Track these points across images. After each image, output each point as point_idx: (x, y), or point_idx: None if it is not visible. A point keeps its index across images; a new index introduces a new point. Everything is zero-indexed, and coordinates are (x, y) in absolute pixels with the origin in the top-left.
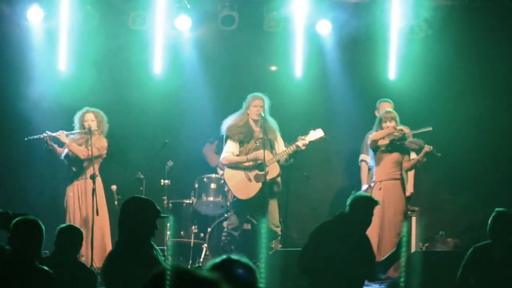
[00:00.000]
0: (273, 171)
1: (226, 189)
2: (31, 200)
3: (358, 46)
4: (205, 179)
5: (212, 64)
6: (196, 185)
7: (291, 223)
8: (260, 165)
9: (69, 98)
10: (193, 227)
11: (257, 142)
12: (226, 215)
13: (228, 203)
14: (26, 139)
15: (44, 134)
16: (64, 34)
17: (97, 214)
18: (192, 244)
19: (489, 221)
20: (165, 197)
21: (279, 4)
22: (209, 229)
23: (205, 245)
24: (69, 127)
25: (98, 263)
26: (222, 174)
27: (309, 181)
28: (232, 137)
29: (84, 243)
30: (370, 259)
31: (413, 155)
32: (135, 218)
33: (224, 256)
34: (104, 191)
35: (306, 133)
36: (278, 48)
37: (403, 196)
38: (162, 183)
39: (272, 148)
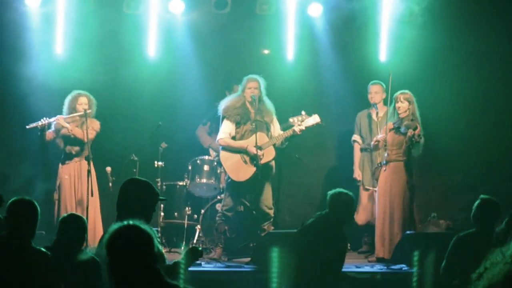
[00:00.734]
0: (269, 154)
1: (219, 171)
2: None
3: (349, 28)
4: (198, 161)
5: (205, 47)
6: (190, 167)
7: (283, 206)
8: (257, 147)
9: (65, 81)
10: (187, 208)
11: (253, 124)
12: (219, 197)
13: (221, 185)
14: (27, 127)
15: (42, 121)
16: (61, 18)
17: (92, 195)
18: (185, 226)
19: (473, 208)
20: (158, 179)
21: None
22: (202, 211)
23: (199, 226)
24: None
25: (91, 243)
26: (215, 156)
27: (301, 164)
28: (229, 118)
29: None
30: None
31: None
32: (134, 200)
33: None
34: (96, 173)
35: (297, 114)
36: (270, 31)
37: (405, 177)
38: (155, 165)
39: (268, 130)
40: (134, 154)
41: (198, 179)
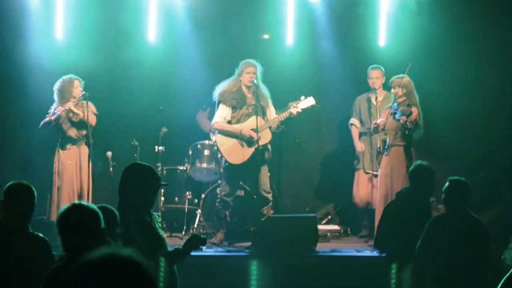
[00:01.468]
0: (265, 137)
1: (219, 155)
2: (26, 167)
3: (349, 13)
4: (198, 146)
5: (205, 31)
6: (190, 152)
7: (283, 190)
8: (252, 131)
9: (66, 66)
10: (187, 193)
11: (249, 108)
12: (219, 182)
13: (221, 170)
14: (39, 127)
15: (56, 113)
16: (61, 3)
17: (93, 180)
18: (186, 210)
19: (443, 192)
20: (159, 164)
21: None
22: (203, 195)
23: (199, 211)
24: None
25: None
26: (215, 141)
27: (301, 148)
28: (225, 102)
29: None
30: None
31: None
32: (136, 185)
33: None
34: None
35: (297, 99)
36: (270, 16)
37: (405, 161)
38: (156, 150)
39: (264, 114)
40: (135, 139)
41: (199, 164)
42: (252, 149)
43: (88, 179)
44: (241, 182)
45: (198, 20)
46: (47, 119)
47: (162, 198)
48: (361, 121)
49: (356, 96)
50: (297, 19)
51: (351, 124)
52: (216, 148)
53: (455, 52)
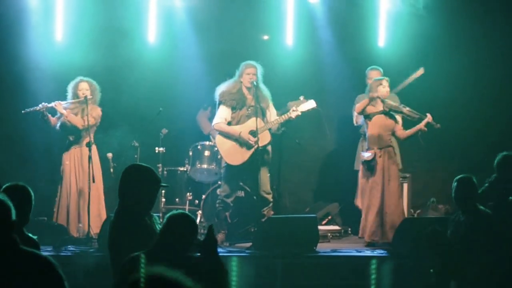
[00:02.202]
0: (264, 138)
1: (219, 156)
2: (28, 168)
3: (348, 14)
4: (199, 147)
5: (205, 32)
6: (190, 153)
7: (284, 191)
8: (252, 132)
9: (66, 67)
10: (188, 194)
11: (249, 109)
12: (219, 182)
13: (222, 171)
14: (23, 112)
15: (40, 106)
16: (60, 5)
17: (93, 181)
18: (187, 211)
19: (453, 191)
20: (159, 165)
21: None
22: (203, 196)
23: (200, 211)
24: (66, 96)
25: (95, 229)
26: (215, 142)
27: (301, 149)
28: (225, 103)
29: (80, 209)
30: None
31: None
32: (136, 186)
33: None
34: (99, 159)
35: (296, 99)
36: (270, 16)
37: (396, 162)
38: (156, 151)
39: (264, 116)
40: (135, 140)
41: (199, 165)
42: (251, 150)
43: (89, 180)
44: (241, 183)
45: (198, 21)
46: (36, 108)
47: (163, 199)
48: None
49: (355, 95)
50: (296, 20)
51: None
52: (216, 149)
53: (455, 52)
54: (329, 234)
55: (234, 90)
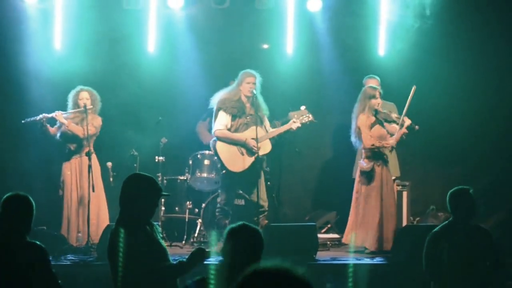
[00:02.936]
0: (266, 147)
1: (219, 165)
2: (28, 178)
3: (348, 23)
4: (199, 156)
5: (205, 42)
6: (190, 162)
7: (283, 199)
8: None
9: (65, 77)
10: (188, 203)
11: (248, 118)
12: (219, 191)
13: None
14: (23, 121)
15: (41, 116)
16: (59, 14)
17: (93, 190)
18: (186, 220)
19: (447, 200)
20: (159, 174)
21: None
22: (203, 205)
23: (200, 220)
24: (65, 105)
25: (94, 239)
26: (215, 149)
27: (300, 157)
28: (226, 110)
29: (80, 219)
30: None
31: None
32: (137, 195)
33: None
34: (100, 168)
35: (296, 108)
36: (270, 26)
37: (390, 170)
38: (156, 160)
39: (262, 124)
40: (134, 149)
41: (199, 173)
42: (252, 158)
43: (89, 189)
44: (240, 191)
45: (197, 30)
46: (36, 118)
47: (163, 208)
48: None
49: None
50: (297, 29)
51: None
52: (216, 157)
53: (454, 61)
54: (328, 243)
55: (235, 98)
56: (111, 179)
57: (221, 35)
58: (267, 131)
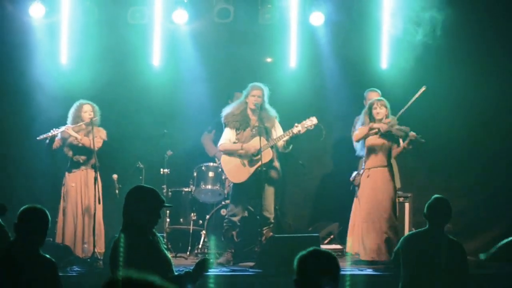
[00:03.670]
0: (265, 156)
1: (223, 177)
2: (35, 190)
3: (351, 36)
4: (203, 168)
5: (209, 56)
6: (195, 174)
7: (286, 210)
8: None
9: (70, 90)
10: (192, 214)
11: (253, 130)
12: (224, 203)
13: (226, 191)
14: (37, 138)
15: (52, 132)
16: (65, 29)
17: (99, 202)
18: (191, 231)
19: (425, 207)
20: (164, 186)
21: None
22: (207, 216)
23: (204, 232)
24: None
25: (100, 249)
26: (220, 163)
27: (304, 169)
28: (229, 125)
29: (86, 230)
30: None
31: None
32: (139, 207)
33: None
34: (101, 180)
35: (303, 119)
36: (273, 39)
37: (391, 183)
38: (161, 172)
39: (268, 135)
40: (140, 161)
41: (203, 185)
42: (253, 168)
43: (95, 201)
44: (246, 203)
45: (201, 44)
46: (49, 134)
47: (168, 219)
48: None
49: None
50: (300, 43)
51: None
52: (220, 169)
53: (457, 72)
54: None
55: (237, 111)
56: (116, 191)
57: (225, 49)
58: (270, 141)
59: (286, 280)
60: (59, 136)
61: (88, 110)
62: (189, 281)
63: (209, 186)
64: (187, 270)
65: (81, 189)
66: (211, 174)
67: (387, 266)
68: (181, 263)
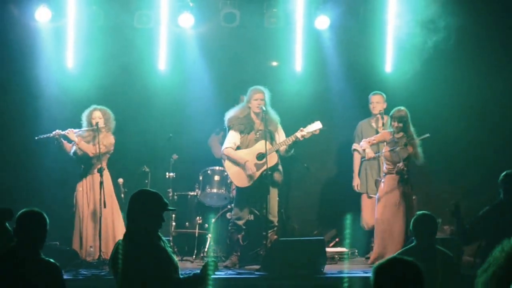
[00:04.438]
0: (271, 160)
1: (229, 181)
2: (42, 195)
3: (356, 40)
4: (209, 172)
5: (215, 60)
6: (200, 178)
7: (291, 214)
8: (260, 155)
9: (77, 95)
10: (198, 218)
11: (257, 133)
12: (229, 206)
13: (232, 195)
14: (36, 138)
15: (54, 133)
16: (71, 33)
17: (105, 206)
18: (196, 235)
19: (411, 223)
20: (170, 190)
21: (279, 1)
22: (213, 220)
23: (209, 235)
24: (77, 123)
25: (107, 254)
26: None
27: (309, 172)
28: (233, 128)
29: (91, 234)
30: None
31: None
32: (142, 211)
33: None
34: (112, 185)
35: (308, 123)
36: (279, 44)
37: (399, 188)
38: (167, 176)
39: (272, 139)
40: (146, 165)
41: (209, 189)
42: (258, 172)
43: (100, 204)
44: (251, 207)
45: (207, 48)
46: (49, 135)
47: (174, 223)
48: None
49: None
50: (305, 46)
51: (354, 150)
52: (226, 173)
53: (461, 76)
54: (336, 256)
55: (242, 115)
56: (122, 195)
57: (231, 53)
58: (275, 145)
59: (291, 283)
60: (72, 141)
61: (97, 116)
62: (198, 283)
63: (214, 190)
64: (195, 272)
65: (87, 193)
66: (216, 178)
67: None
68: (187, 267)
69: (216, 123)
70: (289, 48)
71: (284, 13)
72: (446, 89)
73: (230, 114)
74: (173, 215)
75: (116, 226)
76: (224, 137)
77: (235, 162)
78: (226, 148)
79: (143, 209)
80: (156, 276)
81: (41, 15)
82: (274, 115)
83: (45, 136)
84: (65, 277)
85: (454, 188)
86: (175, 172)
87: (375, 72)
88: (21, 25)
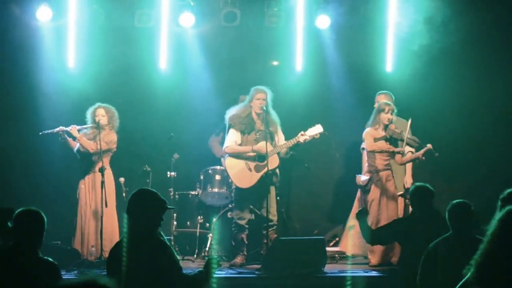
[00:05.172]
0: (273, 162)
1: (230, 180)
2: (45, 193)
3: (356, 39)
4: (210, 171)
5: (215, 59)
6: (202, 177)
7: (292, 214)
8: (261, 156)
9: (78, 94)
10: (199, 217)
11: (258, 134)
12: (230, 206)
13: (232, 194)
14: (40, 133)
15: (57, 129)
16: (72, 32)
17: (106, 206)
18: (198, 234)
19: (446, 213)
20: (171, 189)
21: (280, 1)
22: (214, 219)
23: (211, 234)
24: (79, 122)
25: (107, 252)
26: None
27: (310, 172)
28: (234, 126)
29: (93, 234)
30: None
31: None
32: (141, 209)
33: None
34: (114, 184)
35: (310, 126)
36: (279, 43)
37: (394, 184)
38: (168, 175)
39: (272, 140)
40: (147, 165)
41: (210, 189)
42: (259, 174)
43: (102, 204)
44: (251, 206)
45: (208, 48)
46: (54, 131)
47: (175, 222)
48: None
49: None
50: (306, 46)
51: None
52: (227, 173)
53: (462, 76)
54: (337, 255)
55: (243, 114)
56: (123, 194)
57: (232, 52)
58: (276, 146)
59: (292, 283)
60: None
61: (100, 114)
62: (203, 280)
63: (216, 189)
64: (200, 269)
65: (89, 192)
66: (218, 177)
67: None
68: (188, 266)
69: (217, 122)
70: (290, 47)
71: (285, 12)
72: (446, 89)
73: (231, 112)
74: (174, 215)
75: (114, 227)
76: (224, 137)
77: (238, 156)
78: (228, 146)
79: (141, 208)
80: (162, 273)
81: (42, 14)
82: (274, 117)
83: (49, 131)
84: (66, 276)
85: (454, 188)
86: (176, 172)
87: (375, 71)
88: (22, 25)
